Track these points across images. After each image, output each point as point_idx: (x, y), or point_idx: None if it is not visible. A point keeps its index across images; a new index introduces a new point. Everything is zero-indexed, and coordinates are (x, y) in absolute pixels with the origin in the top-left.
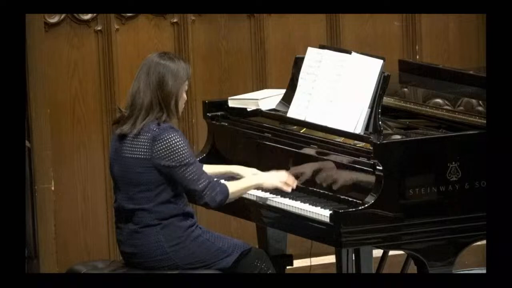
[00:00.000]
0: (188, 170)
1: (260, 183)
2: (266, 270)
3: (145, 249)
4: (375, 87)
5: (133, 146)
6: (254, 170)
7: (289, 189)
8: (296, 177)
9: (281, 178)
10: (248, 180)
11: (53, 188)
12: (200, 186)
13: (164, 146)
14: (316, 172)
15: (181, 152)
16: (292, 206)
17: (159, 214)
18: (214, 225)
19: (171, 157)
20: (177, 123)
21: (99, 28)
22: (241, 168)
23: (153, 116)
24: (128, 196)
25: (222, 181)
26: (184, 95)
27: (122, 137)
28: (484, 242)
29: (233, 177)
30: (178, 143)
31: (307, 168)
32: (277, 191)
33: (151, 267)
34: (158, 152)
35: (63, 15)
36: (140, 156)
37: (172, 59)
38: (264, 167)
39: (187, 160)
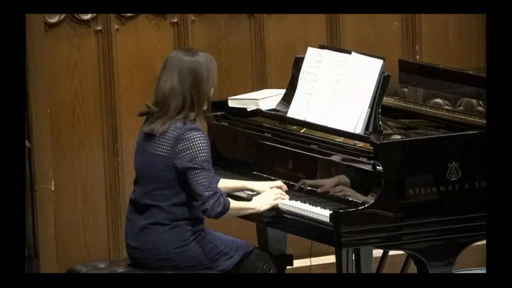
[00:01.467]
0: (202, 174)
1: (258, 208)
2: (268, 271)
3: (150, 246)
4: (375, 87)
5: (158, 143)
6: (269, 183)
7: (285, 198)
8: (296, 177)
9: (274, 196)
10: (248, 203)
11: (53, 188)
12: (207, 193)
13: (186, 146)
14: (316, 172)
15: (201, 154)
16: (292, 206)
17: (172, 214)
18: (214, 224)
19: (191, 157)
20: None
21: (99, 28)
22: (255, 184)
23: (182, 115)
24: (146, 191)
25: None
26: (212, 90)
27: (149, 134)
28: (484, 242)
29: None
30: (200, 145)
31: (307, 168)
32: None
33: (152, 265)
34: (180, 151)
35: (63, 15)
36: (162, 154)
37: (198, 54)
38: (264, 167)
39: (204, 164)
